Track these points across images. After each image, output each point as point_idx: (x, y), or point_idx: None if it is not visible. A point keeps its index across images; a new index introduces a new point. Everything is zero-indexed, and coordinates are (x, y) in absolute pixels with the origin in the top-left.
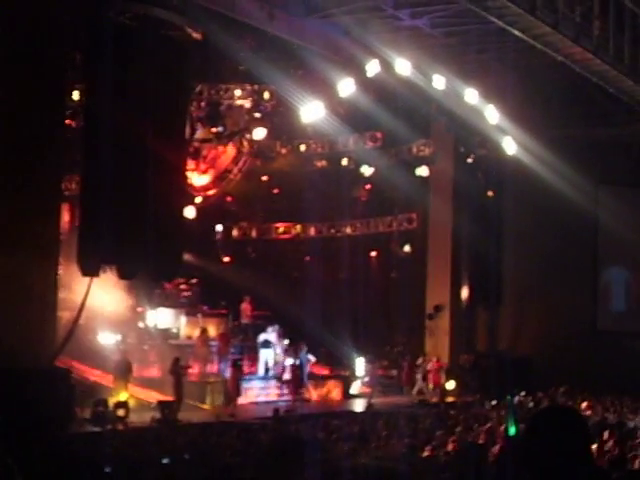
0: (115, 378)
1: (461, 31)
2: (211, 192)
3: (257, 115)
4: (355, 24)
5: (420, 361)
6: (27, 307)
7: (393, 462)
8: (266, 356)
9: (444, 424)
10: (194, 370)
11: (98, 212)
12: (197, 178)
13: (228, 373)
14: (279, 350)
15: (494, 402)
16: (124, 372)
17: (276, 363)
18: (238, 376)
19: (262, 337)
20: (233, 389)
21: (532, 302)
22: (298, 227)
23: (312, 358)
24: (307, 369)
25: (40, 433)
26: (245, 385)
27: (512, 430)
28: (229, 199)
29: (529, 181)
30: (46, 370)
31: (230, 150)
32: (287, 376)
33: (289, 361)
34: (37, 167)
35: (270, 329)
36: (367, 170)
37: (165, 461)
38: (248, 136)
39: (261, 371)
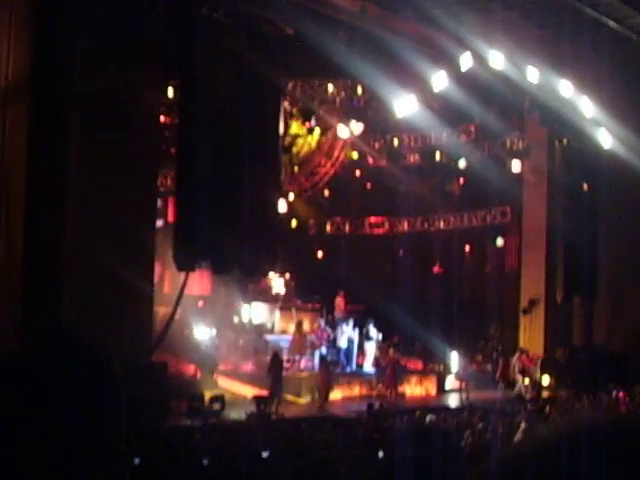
0: (201, 372)
1: (554, 23)
2: (304, 187)
3: (350, 110)
4: (447, 17)
5: (516, 358)
6: (124, 303)
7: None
8: (371, 349)
9: (540, 419)
10: (292, 364)
11: (194, 207)
12: (291, 173)
13: (320, 367)
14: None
15: (590, 397)
16: (210, 366)
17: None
18: (329, 371)
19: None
20: (324, 383)
21: (628, 296)
22: (390, 222)
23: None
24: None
25: (138, 428)
26: (339, 379)
27: None
28: (322, 194)
29: (625, 174)
30: (143, 365)
31: (323, 145)
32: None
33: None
34: (133, 164)
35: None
36: (462, 164)
37: (265, 455)
38: (341, 130)
39: (368, 365)
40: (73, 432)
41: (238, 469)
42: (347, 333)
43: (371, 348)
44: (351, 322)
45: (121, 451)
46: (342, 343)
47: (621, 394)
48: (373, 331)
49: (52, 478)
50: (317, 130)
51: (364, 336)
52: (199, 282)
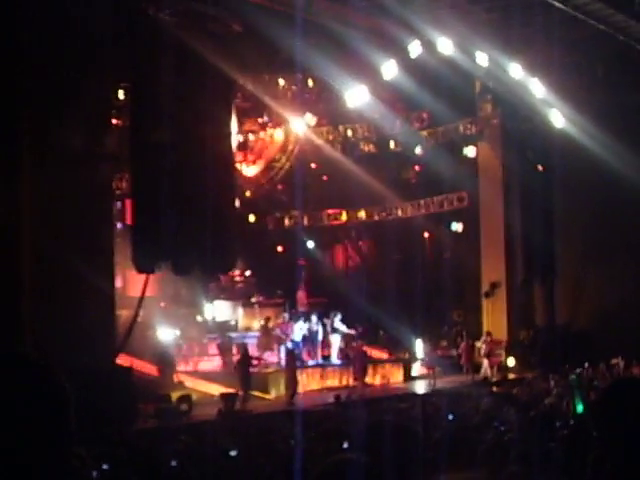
0: (159, 371)
1: (502, 6)
2: (260, 182)
3: (302, 103)
4: (396, 3)
5: (482, 341)
6: (86, 306)
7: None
8: (337, 342)
9: (507, 401)
10: (260, 361)
11: (151, 209)
12: (246, 169)
13: (286, 362)
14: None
15: (555, 377)
16: (168, 365)
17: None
18: (295, 365)
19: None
20: (291, 378)
21: (588, 275)
22: (348, 213)
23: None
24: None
25: (105, 431)
26: (305, 373)
27: (580, 408)
28: (279, 188)
29: (578, 154)
30: (107, 368)
31: (277, 139)
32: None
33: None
34: (88, 168)
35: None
36: (417, 151)
37: (233, 453)
38: (294, 124)
39: (334, 357)
40: (21, 448)
41: (207, 469)
42: (301, 327)
43: (336, 340)
44: (313, 316)
45: (73, 466)
46: (296, 337)
47: (578, 370)
48: (338, 323)
49: None
50: (270, 125)
51: (330, 328)
52: (157, 283)
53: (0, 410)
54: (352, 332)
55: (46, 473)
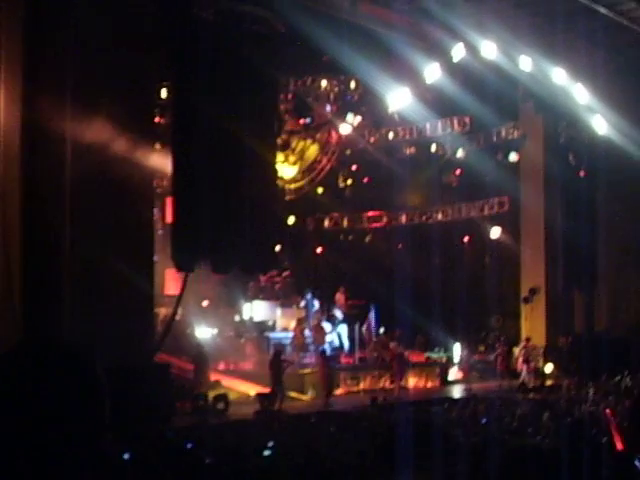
0: (194, 370)
1: (547, 10)
2: (301, 183)
3: (344, 105)
4: (440, 8)
5: (522, 346)
6: (125, 304)
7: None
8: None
9: (545, 408)
10: (290, 363)
11: (192, 207)
12: (287, 170)
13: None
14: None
15: (593, 384)
16: (203, 364)
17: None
18: (330, 366)
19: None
20: (325, 379)
21: (629, 283)
22: (388, 215)
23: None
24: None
25: (142, 428)
26: (342, 374)
27: None
28: (319, 190)
29: (621, 160)
30: (146, 366)
31: (318, 141)
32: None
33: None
34: (128, 165)
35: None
36: (459, 155)
37: (267, 452)
38: (336, 125)
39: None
40: (54, 431)
41: (241, 467)
42: (337, 328)
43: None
44: (349, 318)
45: (105, 449)
46: (332, 338)
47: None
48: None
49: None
50: (312, 126)
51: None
52: (197, 282)
53: (35, 394)
54: (388, 334)
55: (76, 456)
